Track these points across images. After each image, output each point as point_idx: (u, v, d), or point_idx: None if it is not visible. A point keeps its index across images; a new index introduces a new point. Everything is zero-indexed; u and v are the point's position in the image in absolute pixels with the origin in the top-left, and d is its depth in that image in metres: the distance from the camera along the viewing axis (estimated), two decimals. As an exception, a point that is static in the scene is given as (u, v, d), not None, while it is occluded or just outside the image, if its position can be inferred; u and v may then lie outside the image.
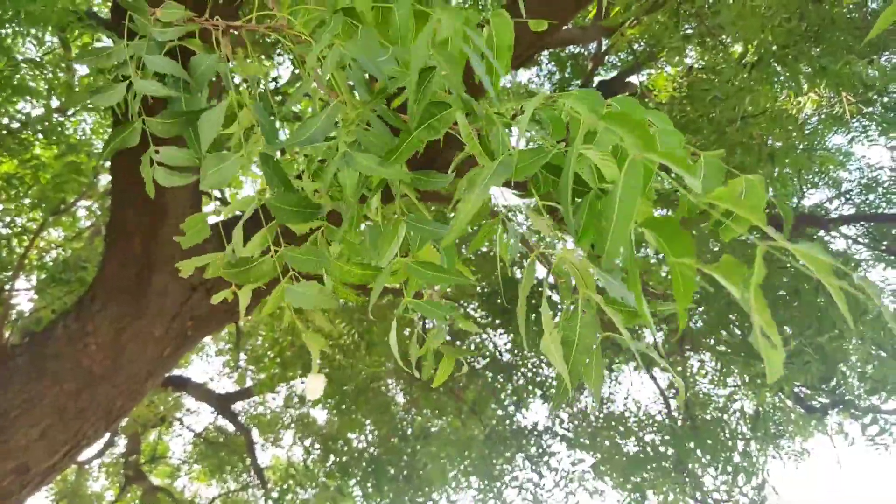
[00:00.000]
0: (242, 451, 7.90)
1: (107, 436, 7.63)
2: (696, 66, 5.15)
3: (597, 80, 5.66)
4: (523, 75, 6.55)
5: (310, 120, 1.08)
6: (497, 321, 5.37)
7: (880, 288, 5.27)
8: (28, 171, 4.15)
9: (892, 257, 5.05)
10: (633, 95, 5.60)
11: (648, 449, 4.84)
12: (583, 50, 5.95)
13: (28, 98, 4.06)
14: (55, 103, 4.34)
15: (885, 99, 4.67)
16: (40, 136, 4.26)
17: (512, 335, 5.42)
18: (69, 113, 4.56)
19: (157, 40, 1.16)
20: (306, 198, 1.15)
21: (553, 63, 6.10)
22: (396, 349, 1.23)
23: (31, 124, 4.15)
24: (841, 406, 4.75)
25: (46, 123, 4.20)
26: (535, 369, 5.52)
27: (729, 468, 4.35)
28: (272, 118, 1.19)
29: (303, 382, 6.35)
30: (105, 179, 5.33)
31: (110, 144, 1.17)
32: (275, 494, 6.67)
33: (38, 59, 4.13)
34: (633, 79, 5.52)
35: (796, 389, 4.87)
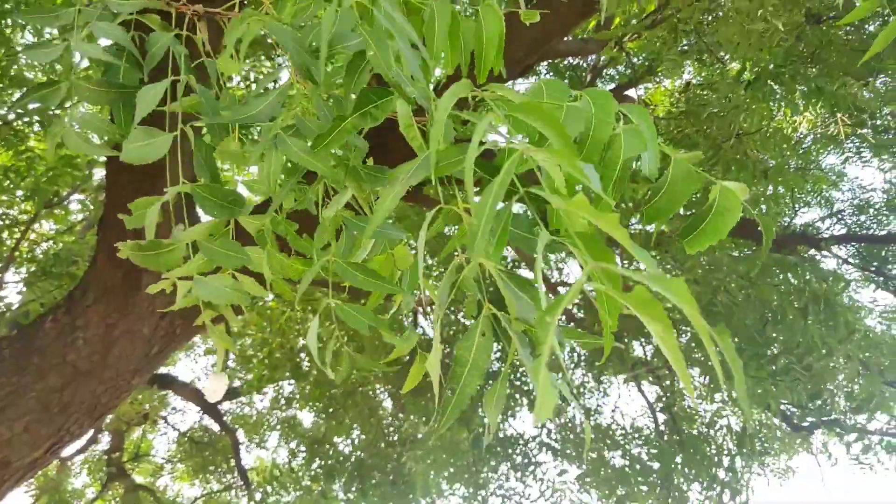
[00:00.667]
0: (227, 452, 7.86)
1: (90, 432, 7.57)
2: (693, 81, 5.19)
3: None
4: (521, 85, 6.58)
5: (256, 98, 1.02)
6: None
7: (869, 309, 5.31)
8: (22, 162, 4.13)
9: (882, 278, 5.08)
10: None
11: (635, 462, 4.85)
12: (582, 62, 5.98)
13: (25, 89, 4.05)
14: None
15: (878, 121, 4.71)
16: (37, 127, 4.23)
17: (501, 343, 5.41)
18: (66, 106, 4.53)
19: (112, 11, 1.11)
20: (232, 191, 1.11)
21: (552, 74, 6.13)
22: (315, 349, 1.18)
23: (27, 115, 4.13)
24: (827, 425, 4.77)
25: (34, 116, 4.18)
26: (523, 378, 5.52)
27: (715, 484, 4.36)
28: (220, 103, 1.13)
29: (290, 384, 6.32)
30: (99, 174, 5.31)
31: (25, 99, 1.11)
32: (258, 496, 6.63)
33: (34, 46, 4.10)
34: (632, 92, 5.55)
35: (783, 407, 4.89)
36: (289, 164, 1.20)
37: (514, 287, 0.76)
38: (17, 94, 4.31)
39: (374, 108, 0.92)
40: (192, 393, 7.34)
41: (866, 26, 4.39)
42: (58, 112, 4.40)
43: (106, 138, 1.15)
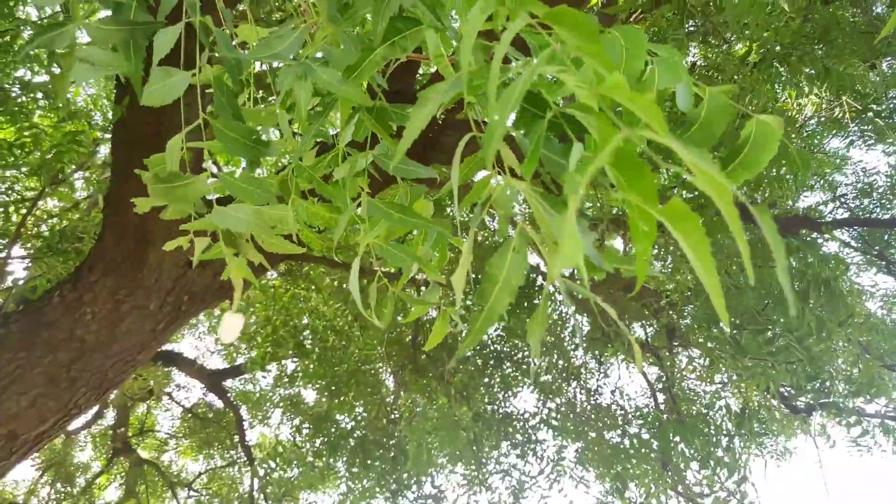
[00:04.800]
0: (231, 428, 7.94)
1: (96, 407, 7.66)
2: (699, 63, 5.16)
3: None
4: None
5: (276, 38, 0.99)
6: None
7: (870, 293, 5.33)
8: (28, 138, 4.13)
9: (883, 262, 5.09)
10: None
11: (635, 440, 4.90)
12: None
13: (29, 64, 4.04)
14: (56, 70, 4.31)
15: (883, 105, 4.69)
16: (41, 103, 4.23)
17: (503, 323, 5.46)
18: (70, 81, 4.52)
19: None
20: (255, 132, 1.07)
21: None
22: (357, 293, 1.13)
23: (32, 91, 4.12)
24: (826, 407, 4.81)
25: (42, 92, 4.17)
26: (525, 358, 5.56)
27: (711, 461, 4.41)
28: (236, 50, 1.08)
29: (294, 362, 6.38)
30: (104, 151, 5.32)
31: (33, 41, 1.08)
32: (262, 472, 6.71)
33: (40, 23, 4.09)
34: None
35: (782, 389, 4.93)
36: (318, 109, 1.18)
37: (547, 205, 0.72)
38: (22, 70, 4.31)
39: (402, 38, 0.89)
40: (196, 370, 7.41)
41: (874, 8, 4.36)
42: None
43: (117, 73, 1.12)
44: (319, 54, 1.03)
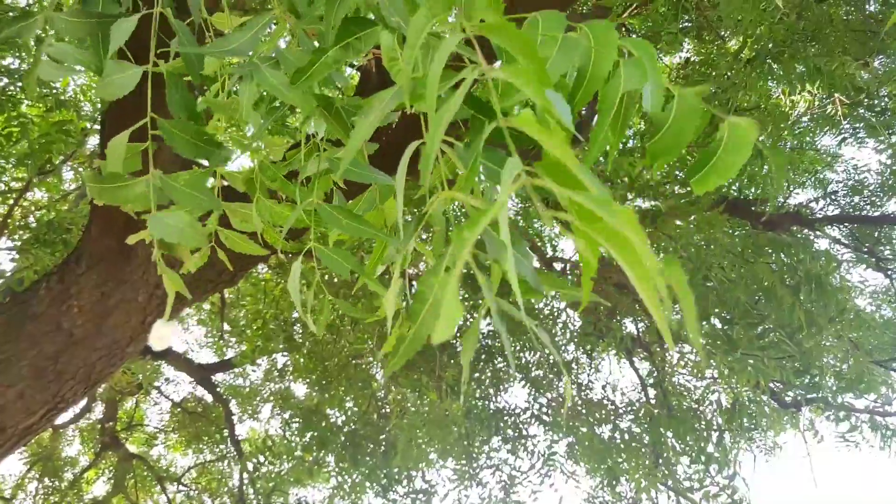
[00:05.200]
0: (220, 422, 7.91)
1: (84, 401, 7.60)
2: (692, 59, 5.16)
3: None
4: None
5: (236, 33, 0.96)
6: (479, 302, 5.39)
7: (860, 289, 5.36)
8: (15, 127, 4.08)
9: (873, 259, 5.12)
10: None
11: (626, 435, 4.91)
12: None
13: (17, 52, 3.98)
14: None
15: (876, 102, 4.71)
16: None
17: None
18: (38, 77, 4.45)
19: None
20: (206, 131, 1.03)
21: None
22: (297, 297, 1.12)
23: (19, 79, 4.07)
24: (815, 402, 4.83)
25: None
26: (517, 353, 5.56)
27: (702, 457, 4.43)
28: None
29: (284, 355, 6.35)
30: (93, 142, 5.27)
31: (1, 33, 1.04)
32: (251, 466, 6.69)
33: (27, 9, 4.03)
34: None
35: (771, 384, 4.95)
36: (275, 105, 1.15)
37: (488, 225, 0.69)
38: (10, 59, 4.25)
39: (356, 39, 0.85)
40: (185, 363, 7.37)
41: (867, 6, 4.37)
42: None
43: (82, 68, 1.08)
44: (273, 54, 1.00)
